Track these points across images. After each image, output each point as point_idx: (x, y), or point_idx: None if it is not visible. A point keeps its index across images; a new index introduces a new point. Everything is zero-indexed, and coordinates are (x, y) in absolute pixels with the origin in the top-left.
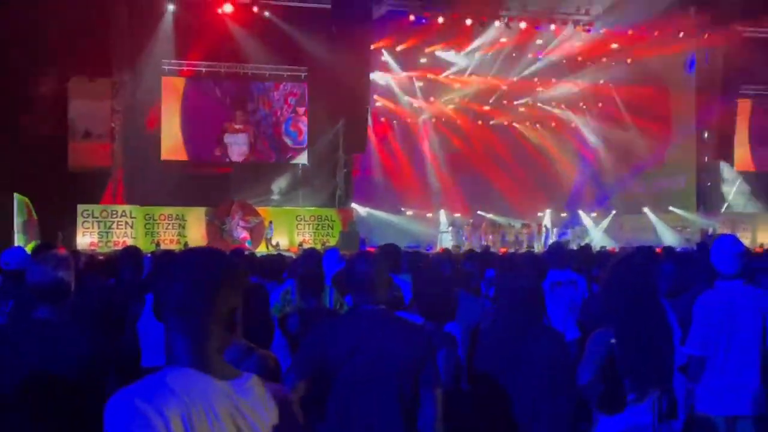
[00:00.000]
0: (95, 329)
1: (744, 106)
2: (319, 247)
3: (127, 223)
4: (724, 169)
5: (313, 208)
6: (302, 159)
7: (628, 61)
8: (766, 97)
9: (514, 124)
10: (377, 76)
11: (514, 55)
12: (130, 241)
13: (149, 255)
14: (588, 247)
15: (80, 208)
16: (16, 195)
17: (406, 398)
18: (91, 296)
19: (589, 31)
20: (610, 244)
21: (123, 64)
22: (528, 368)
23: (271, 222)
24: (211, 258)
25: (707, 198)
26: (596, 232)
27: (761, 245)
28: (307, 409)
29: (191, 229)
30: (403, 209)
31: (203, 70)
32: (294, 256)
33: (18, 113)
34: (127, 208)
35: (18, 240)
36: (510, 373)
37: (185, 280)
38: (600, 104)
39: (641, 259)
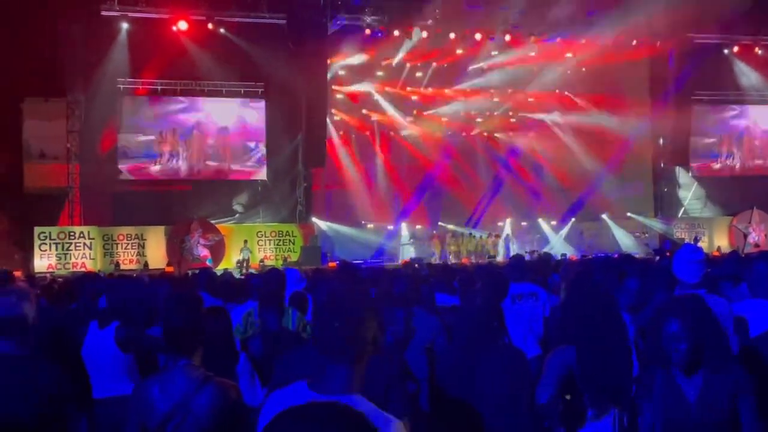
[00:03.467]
0: (55, 362)
1: (699, 112)
2: (280, 263)
3: (85, 244)
4: (680, 174)
5: (273, 223)
6: (261, 175)
7: (583, 69)
8: (718, 102)
9: (472, 133)
10: (335, 89)
11: (470, 66)
12: (88, 263)
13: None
14: (547, 255)
15: (37, 230)
16: None
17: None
18: (49, 326)
19: (545, 41)
20: (570, 252)
21: (77, 83)
22: (487, 388)
23: (246, 241)
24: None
25: (664, 203)
26: (556, 240)
27: (718, 248)
28: None
29: (151, 248)
30: (363, 222)
31: (159, 88)
32: (256, 273)
33: None
34: (84, 229)
35: None
36: (469, 392)
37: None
38: (556, 112)
39: (599, 275)
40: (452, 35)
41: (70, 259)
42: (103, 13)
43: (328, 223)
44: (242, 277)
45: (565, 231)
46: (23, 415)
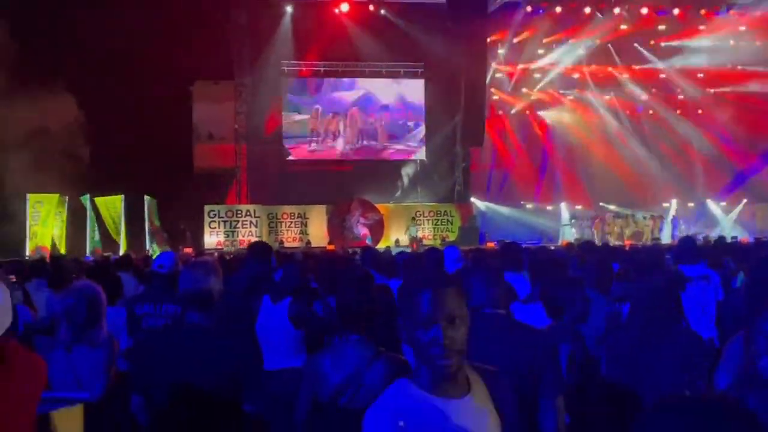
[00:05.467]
0: (237, 334)
1: None
2: (438, 243)
3: (251, 222)
4: None
5: (432, 203)
6: (420, 154)
7: (757, 43)
8: None
9: (637, 112)
10: (495, 68)
11: (634, 43)
12: (254, 240)
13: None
14: (722, 239)
15: (207, 208)
16: (146, 197)
17: (524, 406)
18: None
19: (716, 13)
20: (741, 235)
21: (245, 66)
22: (664, 372)
23: (414, 218)
24: None
25: None
26: (727, 222)
27: None
28: None
29: (313, 227)
30: (522, 203)
31: (321, 69)
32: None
33: (144, 118)
34: (251, 207)
35: (148, 241)
36: (645, 376)
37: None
38: (728, 88)
39: None
40: (617, 10)
41: (237, 236)
42: None
43: (487, 203)
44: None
45: (735, 213)
46: (207, 382)
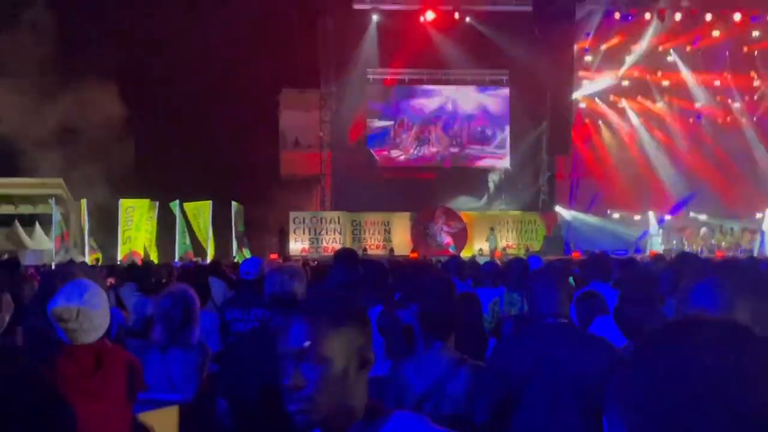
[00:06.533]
0: None
1: None
2: (522, 252)
3: (335, 229)
4: None
5: (516, 212)
6: (505, 163)
7: None
8: None
9: (728, 119)
10: (581, 75)
11: (727, 49)
12: (338, 247)
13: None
14: None
15: (292, 215)
16: (233, 203)
17: (592, 420)
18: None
19: None
20: None
21: (330, 74)
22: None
23: (492, 229)
24: None
25: None
26: None
27: None
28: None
29: (396, 234)
30: (609, 212)
31: (406, 78)
32: (498, 262)
33: (233, 125)
34: (335, 214)
35: (235, 247)
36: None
37: None
38: None
39: None
40: (709, 16)
41: (321, 243)
42: (355, 6)
43: (572, 212)
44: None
45: None
46: None
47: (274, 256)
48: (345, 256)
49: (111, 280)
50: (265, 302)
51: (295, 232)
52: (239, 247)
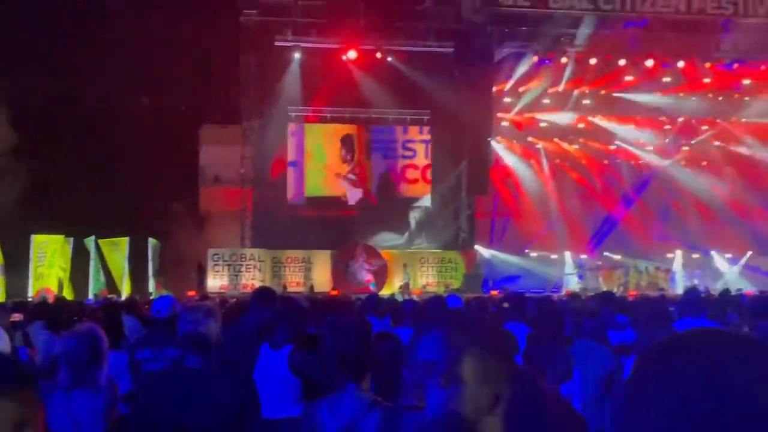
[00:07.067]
0: (237, 379)
1: None
2: (442, 290)
3: (255, 266)
4: None
5: (436, 250)
6: (425, 201)
7: (763, 97)
8: None
9: (641, 162)
10: (500, 116)
11: (639, 92)
12: (258, 284)
13: None
14: (726, 291)
15: (211, 251)
16: (150, 240)
17: None
18: (225, 344)
19: (720, 67)
20: (746, 287)
21: (252, 111)
22: None
23: (405, 265)
24: None
25: None
26: (731, 275)
27: None
28: None
29: (317, 271)
30: (527, 251)
31: (328, 115)
32: (417, 300)
33: (151, 160)
34: (255, 251)
35: (151, 284)
36: None
37: None
38: (733, 141)
39: None
40: (623, 62)
41: (241, 280)
42: (277, 43)
43: (491, 251)
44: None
45: (740, 265)
46: (205, 428)
47: (191, 293)
48: (262, 294)
49: (17, 317)
50: (177, 342)
51: (214, 269)
52: (157, 285)
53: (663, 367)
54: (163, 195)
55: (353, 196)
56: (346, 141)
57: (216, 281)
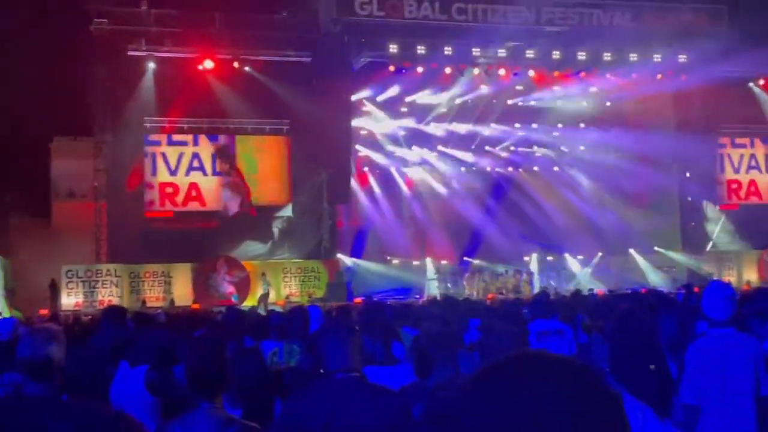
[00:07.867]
0: (82, 404)
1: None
2: (305, 299)
3: (112, 282)
4: (708, 207)
5: (299, 260)
6: (286, 212)
7: (608, 104)
8: (744, 135)
9: (497, 169)
10: (359, 125)
11: (494, 101)
12: (115, 301)
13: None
14: (578, 292)
15: (64, 268)
16: None
17: None
18: (75, 365)
19: (568, 76)
20: (597, 287)
21: (105, 122)
22: None
23: (264, 274)
24: None
25: (692, 237)
26: (583, 275)
27: (748, 282)
28: None
29: (177, 285)
30: (388, 258)
31: (185, 126)
32: (281, 310)
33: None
34: (111, 266)
35: (1, 303)
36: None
37: None
38: (581, 147)
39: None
40: (476, 71)
41: (97, 296)
42: (130, 53)
43: (354, 259)
44: (265, 314)
45: (592, 265)
46: None
47: (44, 311)
48: (112, 313)
49: None
50: (17, 368)
51: (68, 286)
52: (8, 304)
53: (472, 395)
54: (14, 210)
55: (233, 206)
56: (223, 152)
57: (71, 299)
